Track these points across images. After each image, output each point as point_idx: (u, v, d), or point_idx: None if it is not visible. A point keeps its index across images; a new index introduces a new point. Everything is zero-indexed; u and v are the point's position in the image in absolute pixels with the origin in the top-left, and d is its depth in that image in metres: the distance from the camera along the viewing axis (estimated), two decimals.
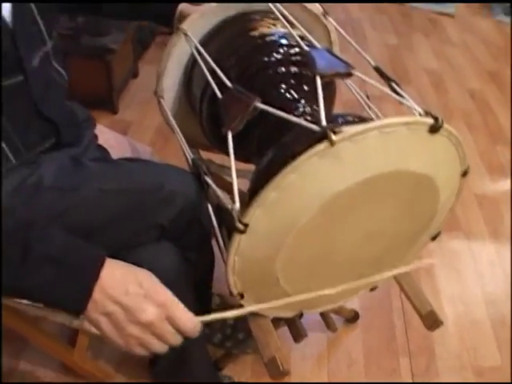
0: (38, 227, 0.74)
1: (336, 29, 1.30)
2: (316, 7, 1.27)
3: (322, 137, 0.76)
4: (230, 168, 1.31)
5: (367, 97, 1.16)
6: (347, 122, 0.94)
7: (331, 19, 1.30)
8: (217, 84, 1.03)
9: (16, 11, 0.97)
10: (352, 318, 1.78)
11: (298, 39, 1.08)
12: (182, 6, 1.24)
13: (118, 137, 1.38)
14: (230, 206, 0.87)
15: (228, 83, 0.98)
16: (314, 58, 0.95)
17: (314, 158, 0.76)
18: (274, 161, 0.94)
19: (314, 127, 0.80)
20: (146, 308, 0.72)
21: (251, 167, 1.15)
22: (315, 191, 0.80)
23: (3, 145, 0.99)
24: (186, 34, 1.16)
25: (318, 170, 0.78)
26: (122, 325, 0.72)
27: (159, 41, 3.13)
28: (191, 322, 0.74)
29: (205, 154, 1.43)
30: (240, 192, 0.88)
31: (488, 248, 2.16)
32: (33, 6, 1.02)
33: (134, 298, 0.72)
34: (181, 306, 0.74)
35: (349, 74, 0.95)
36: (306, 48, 1.05)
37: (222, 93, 1.01)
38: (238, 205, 0.84)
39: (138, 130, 2.49)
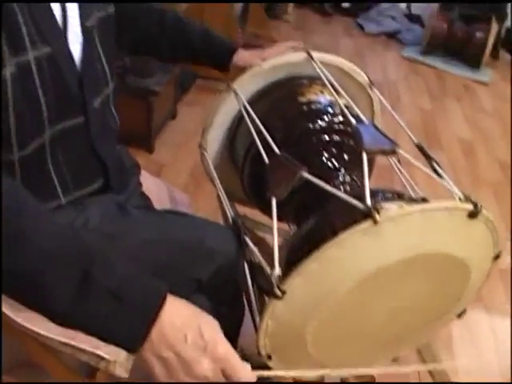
0: (100, 255, 0.73)
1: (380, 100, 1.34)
2: (362, 77, 1.31)
3: (367, 215, 0.79)
4: (263, 224, 1.35)
5: (398, 161, 1.19)
6: (387, 199, 0.97)
7: (376, 90, 1.34)
8: (262, 145, 1.07)
9: (85, 54, 1.02)
10: (369, 382, 1.78)
11: (345, 110, 1.12)
12: (241, 55, 1.31)
13: (158, 183, 1.42)
14: (268, 270, 0.89)
15: (275, 149, 1.02)
16: (361, 134, 0.98)
17: (356, 234, 0.79)
18: (315, 231, 0.96)
19: (359, 205, 0.82)
20: (202, 361, 0.70)
21: (284, 225, 1.18)
22: (354, 266, 0.83)
23: (55, 180, 1.03)
24: (236, 93, 1.20)
25: (359, 245, 0.81)
26: (174, 372, 0.70)
27: (199, 84, 3.21)
28: (247, 377, 0.73)
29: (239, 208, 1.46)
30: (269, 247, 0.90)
31: (508, 322, 2.15)
32: (99, 47, 1.08)
33: (192, 348, 0.70)
34: (238, 359, 0.72)
35: (393, 152, 0.98)
36: (351, 118, 1.08)
37: (267, 154, 1.04)
38: (277, 271, 0.86)
39: (172, 172, 2.53)
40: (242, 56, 1.32)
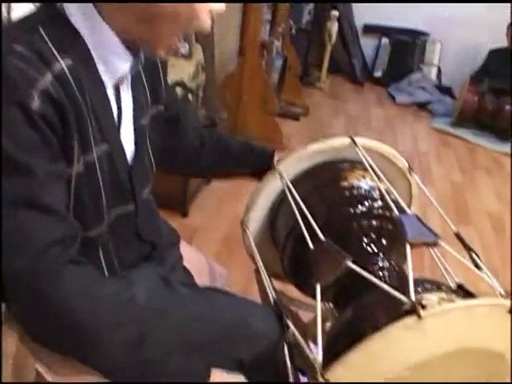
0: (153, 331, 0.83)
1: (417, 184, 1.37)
2: (402, 162, 1.34)
3: (411, 310, 0.81)
4: (298, 300, 1.37)
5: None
6: (427, 290, 0.99)
7: (415, 175, 1.37)
8: (305, 228, 1.10)
9: (136, 150, 1.10)
10: None
11: (386, 196, 1.15)
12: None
13: (197, 254, 1.45)
14: (310, 355, 0.91)
15: (320, 235, 1.05)
16: (404, 226, 1.01)
17: (400, 328, 0.81)
18: (357, 320, 0.98)
19: (404, 299, 0.85)
20: None
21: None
22: (397, 359, 0.85)
23: (103, 263, 1.08)
24: (281, 175, 1.25)
25: (403, 339, 0.83)
26: None
27: None
28: None
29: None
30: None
31: None
32: (148, 142, 1.15)
33: None
34: None
35: (435, 244, 1.01)
36: (393, 206, 1.12)
37: (310, 238, 1.07)
38: (320, 358, 0.88)
39: (205, 237, 2.57)
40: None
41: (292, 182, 1.27)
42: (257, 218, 1.35)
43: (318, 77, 5.21)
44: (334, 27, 4.92)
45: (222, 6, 0.98)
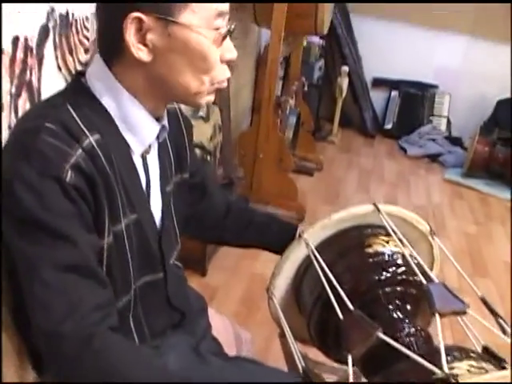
0: None
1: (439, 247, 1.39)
2: (424, 226, 1.36)
3: (444, 382, 0.83)
4: (322, 364, 1.37)
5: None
6: (456, 358, 1.01)
7: (437, 238, 1.39)
8: (326, 293, 1.12)
9: (163, 216, 1.12)
10: None
11: (410, 261, 1.18)
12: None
13: (224, 321, 1.46)
14: None
15: (350, 305, 1.07)
16: (432, 295, 1.03)
17: None
18: None
19: (437, 371, 0.86)
20: None
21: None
22: None
23: (133, 331, 1.09)
24: (307, 244, 1.27)
25: None
26: None
27: None
28: None
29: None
30: None
31: None
32: (172, 209, 1.17)
33: None
34: None
35: (464, 312, 1.03)
36: (419, 274, 1.14)
37: (338, 305, 1.09)
38: None
39: (224, 297, 2.57)
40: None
41: (317, 249, 1.29)
42: (282, 284, 1.36)
43: (329, 131, 5.28)
44: (344, 82, 5.01)
45: (233, 54, 1.02)
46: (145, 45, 0.93)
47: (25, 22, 1.52)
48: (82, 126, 0.93)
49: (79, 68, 1.78)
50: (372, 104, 5.77)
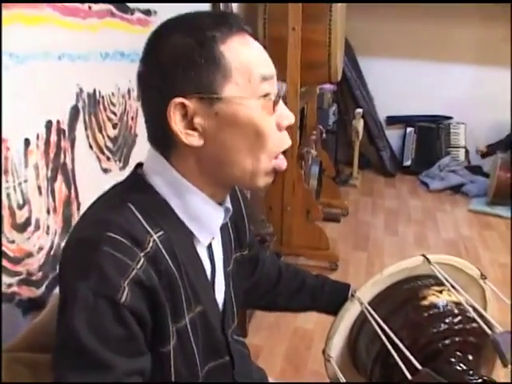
0: None
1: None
2: (474, 271, 1.34)
3: None
4: None
5: None
6: None
7: (488, 282, 1.37)
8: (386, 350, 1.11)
9: (225, 298, 1.09)
10: None
11: (466, 310, 1.16)
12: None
13: None
14: None
15: (417, 365, 1.04)
16: (500, 345, 1.01)
17: None
18: None
19: None
20: None
21: None
22: None
23: None
24: (361, 302, 1.25)
25: None
26: None
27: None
28: None
29: None
30: None
31: None
32: (231, 287, 1.13)
33: None
34: None
35: None
36: (471, 315, 1.12)
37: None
38: None
39: (268, 356, 2.53)
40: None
41: (370, 306, 1.28)
42: (337, 344, 1.34)
43: (349, 174, 5.28)
44: (359, 124, 5.03)
45: (291, 120, 0.97)
46: (194, 129, 0.90)
47: (55, 104, 1.55)
48: (146, 225, 0.89)
49: (109, 144, 1.80)
50: (389, 143, 5.78)
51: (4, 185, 1.37)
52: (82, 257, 0.85)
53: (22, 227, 1.44)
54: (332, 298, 1.34)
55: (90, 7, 1.61)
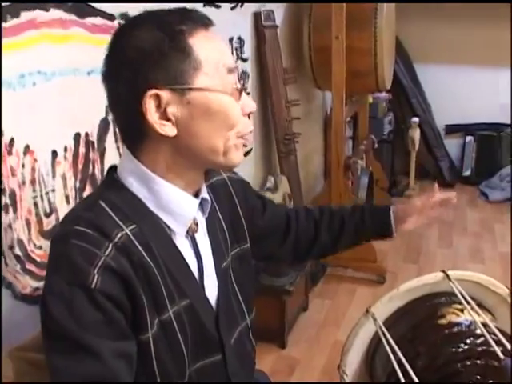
0: None
1: None
2: (502, 289, 1.29)
3: None
4: None
5: None
6: None
7: None
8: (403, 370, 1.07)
9: (221, 295, 1.09)
10: None
11: (486, 333, 1.11)
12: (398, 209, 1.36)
13: None
14: None
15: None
16: (509, 370, 0.96)
17: None
18: None
19: None
20: None
21: None
22: None
23: None
24: (374, 319, 1.23)
25: None
26: None
27: (328, 273, 3.27)
28: None
29: None
30: None
31: None
32: (234, 283, 1.14)
33: None
34: None
35: None
36: (496, 347, 1.07)
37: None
38: None
39: (305, 369, 2.50)
40: (400, 208, 1.38)
41: (387, 323, 1.25)
42: (353, 360, 1.32)
43: (406, 185, 5.16)
44: (416, 134, 4.91)
45: (253, 107, 1.03)
46: (167, 119, 0.93)
47: (84, 118, 1.59)
48: (117, 220, 0.93)
49: None
50: (447, 152, 5.63)
51: (31, 194, 1.42)
52: (54, 252, 0.92)
53: (49, 234, 1.49)
54: (375, 227, 1.36)
55: (119, 24, 1.64)
